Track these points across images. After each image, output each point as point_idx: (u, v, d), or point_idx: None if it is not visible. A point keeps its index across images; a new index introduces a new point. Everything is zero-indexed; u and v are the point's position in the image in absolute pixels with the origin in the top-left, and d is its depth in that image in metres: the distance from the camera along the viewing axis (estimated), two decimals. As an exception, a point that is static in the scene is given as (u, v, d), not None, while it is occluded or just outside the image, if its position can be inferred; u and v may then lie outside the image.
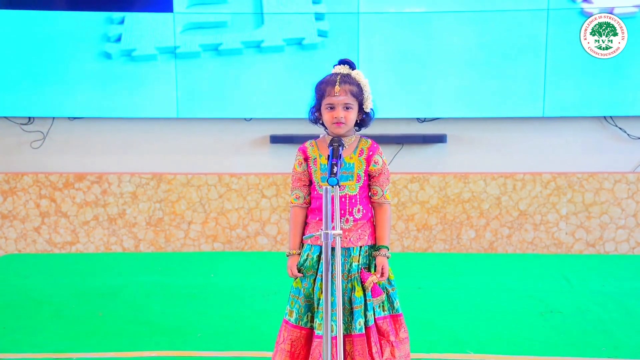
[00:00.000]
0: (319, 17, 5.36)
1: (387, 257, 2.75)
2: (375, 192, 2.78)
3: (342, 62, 2.76)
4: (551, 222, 5.46)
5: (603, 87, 5.34)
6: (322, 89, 2.71)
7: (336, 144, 2.57)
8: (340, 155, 2.55)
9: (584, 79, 5.31)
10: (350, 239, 2.73)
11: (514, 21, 5.31)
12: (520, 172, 5.49)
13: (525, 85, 5.37)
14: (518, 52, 5.33)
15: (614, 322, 3.95)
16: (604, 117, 5.49)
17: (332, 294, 2.48)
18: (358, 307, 2.71)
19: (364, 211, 2.77)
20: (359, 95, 2.72)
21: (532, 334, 3.78)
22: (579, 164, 5.55)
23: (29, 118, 5.65)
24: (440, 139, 5.53)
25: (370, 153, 2.76)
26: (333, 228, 2.45)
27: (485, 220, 5.48)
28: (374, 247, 2.77)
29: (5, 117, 5.64)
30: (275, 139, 5.55)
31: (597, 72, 5.28)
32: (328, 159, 2.53)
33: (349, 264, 2.73)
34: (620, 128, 5.50)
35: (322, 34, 5.37)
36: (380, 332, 2.76)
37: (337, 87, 2.67)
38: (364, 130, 2.88)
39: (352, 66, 2.75)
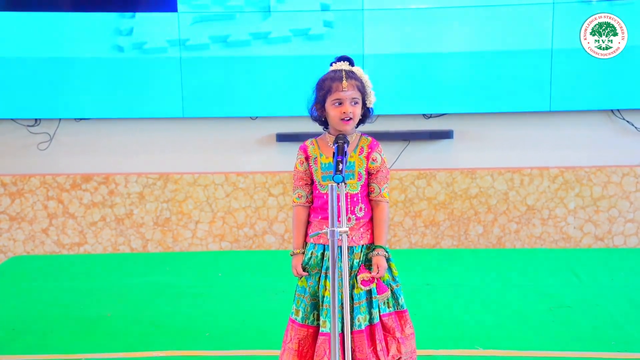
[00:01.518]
0: (324, 7, 5.35)
1: (385, 257, 2.73)
2: (372, 189, 2.77)
3: (341, 58, 2.75)
4: (559, 217, 5.44)
5: (610, 80, 5.32)
6: (327, 85, 2.70)
7: (341, 141, 2.57)
8: (346, 152, 2.54)
9: (590, 72, 5.29)
10: (352, 238, 2.72)
11: (519, 15, 5.29)
12: (528, 167, 5.47)
13: (532, 79, 5.35)
14: (524, 46, 5.31)
15: (623, 316, 3.93)
16: (611, 110, 5.47)
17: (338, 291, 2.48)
18: (358, 304, 2.70)
19: (366, 209, 2.76)
20: (363, 91, 2.72)
21: (540, 329, 3.77)
22: (587, 158, 5.53)
23: (36, 120, 5.66)
24: (446, 134, 5.51)
25: (370, 150, 2.75)
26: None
27: (493, 215, 5.47)
28: (371, 247, 2.76)
29: (12, 119, 5.65)
30: (282, 137, 5.55)
31: (603, 66, 5.24)
32: (333, 156, 2.52)
33: (351, 261, 2.72)
34: (627, 121, 5.48)
35: (327, 24, 5.35)
36: (385, 329, 2.75)
37: (344, 82, 2.66)
38: (368, 126, 2.87)
39: (351, 62, 2.75)
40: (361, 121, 2.80)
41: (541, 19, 5.26)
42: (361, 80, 2.72)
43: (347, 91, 2.66)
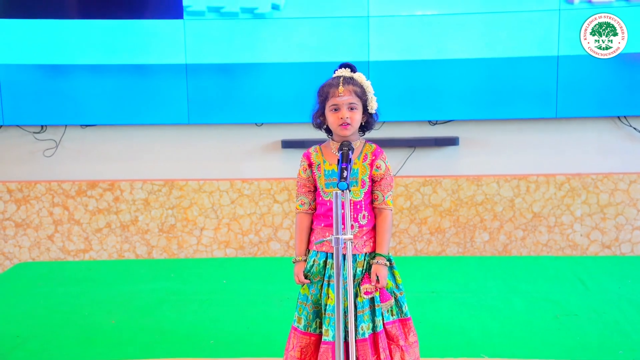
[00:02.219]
0: (330, 14, 5.36)
1: (386, 266, 2.70)
2: (376, 197, 2.76)
3: (344, 65, 2.77)
4: (566, 224, 5.42)
5: (616, 87, 5.30)
6: (326, 91, 2.71)
7: (346, 148, 2.57)
8: (351, 159, 2.54)
9: (596, 78, 5.27)
10: (355, 246, 2.70)
11: (525, 22, 5.28)
12: (534, 174, 5.45)
13: (538, 85, 5.34)
14: (529, 53, 5.30)
15: (631, 325, 3.90)
16: (618, 117, 5.45)
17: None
18: (361, 312, 2.68)
19: (369, 217, 2.74)
20: (362, 96, 2.71)
21: (547, 337, 3.75)
22: (593, 165, 5.50)
23: (42, 126, 5.67)
24: (452, 141, 5.50)
25: (374, 157, 2.74)
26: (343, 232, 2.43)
27: (499, 222, 5.45)
28: (372, 255, 2.74)
29: (18, 126, 5.67)
30: (287, 144, 5.54)
31: (609, 72, 5.24)
32: (338, 163, 2.52)
33: (354, 269, 2.70)
34: (634, 128, 5.45)
35: (333, 31, 5.35)
36: (389, 337, 2.73)
37: (340, 88, 2.67)
38: (374, 133, 2.86)
39: (353, 69, 2.76)
40: (365, 128, 2.80)
41: (547, 25, 5.25)
42: (361, 86, 2.72)
43: (344, 97, 2.67)
